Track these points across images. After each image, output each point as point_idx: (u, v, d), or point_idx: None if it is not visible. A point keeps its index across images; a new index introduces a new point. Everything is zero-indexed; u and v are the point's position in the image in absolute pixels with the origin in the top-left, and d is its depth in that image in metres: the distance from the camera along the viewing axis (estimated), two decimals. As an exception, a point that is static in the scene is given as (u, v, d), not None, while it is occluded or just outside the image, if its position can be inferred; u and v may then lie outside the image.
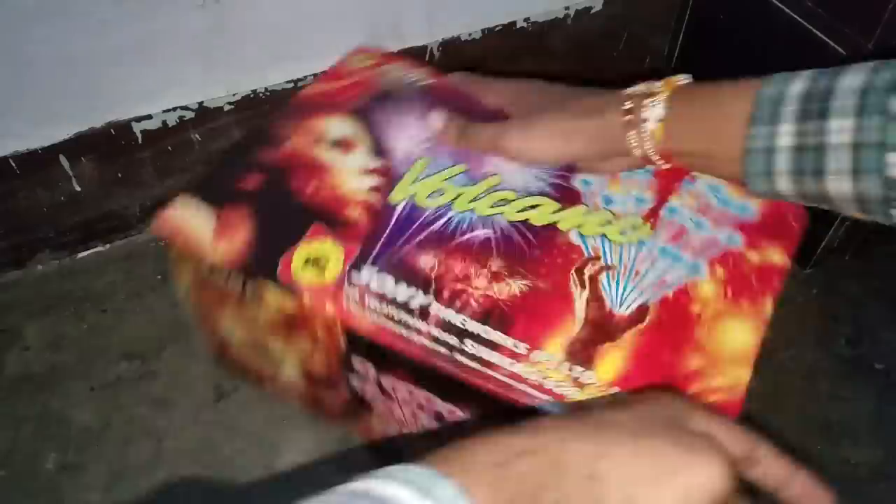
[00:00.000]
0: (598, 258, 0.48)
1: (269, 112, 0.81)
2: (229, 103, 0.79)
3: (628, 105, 0.44)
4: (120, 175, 0.80)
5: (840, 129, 0.33)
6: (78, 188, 0.79)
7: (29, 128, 0.73)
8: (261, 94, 0.80)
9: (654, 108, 0.43)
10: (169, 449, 0.71)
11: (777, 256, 0.49)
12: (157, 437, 0.71)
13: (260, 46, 0.76)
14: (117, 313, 0.81)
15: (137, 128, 0.77)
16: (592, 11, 0.91)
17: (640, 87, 0.45)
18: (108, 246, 0.86)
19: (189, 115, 0.78)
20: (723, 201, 0.52)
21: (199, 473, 0.69)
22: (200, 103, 0.78)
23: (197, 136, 0.80)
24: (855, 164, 0.33)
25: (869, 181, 0.33)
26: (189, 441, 0.71)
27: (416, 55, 0.83)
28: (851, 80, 0.35)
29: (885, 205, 0.34)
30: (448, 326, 0.46)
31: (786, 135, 0.35)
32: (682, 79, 0.45)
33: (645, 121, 0.43)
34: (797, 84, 0.36)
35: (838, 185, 0.34)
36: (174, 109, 0.78)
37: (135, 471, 0.69)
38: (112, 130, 0.76)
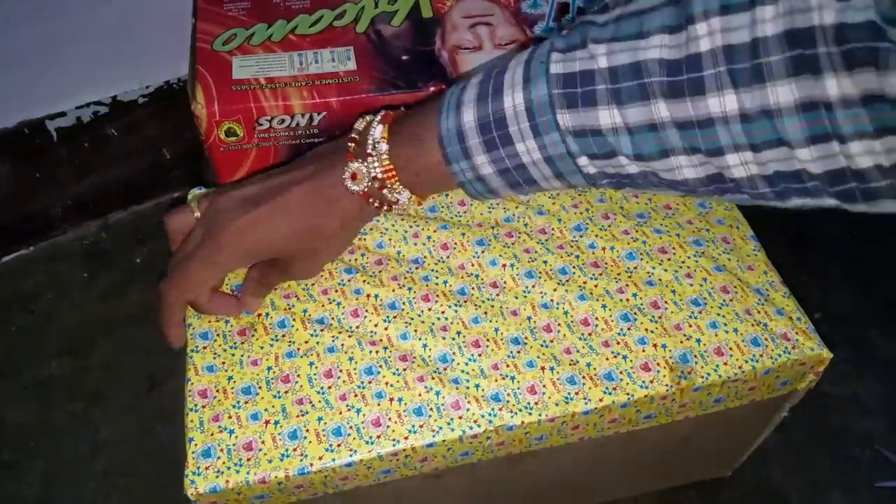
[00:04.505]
0: None
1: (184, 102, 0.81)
2: (143, 96, 0.80)
3: (353, 136, 0.42)
4: (38, 175, 0.80)
5: (528, 150, 0.37)
6: (-5, 191, 0.78)
7: (-63, 131, 0.72)
8: (174, 86, 0.80)
9: (374, 129, 0.41)
10: (107, 439, 0.71)
11: None
12: (93, 428, 0.72)
13: (170, 37, 0.77)
14: (45, 314, 0.80)
15: (52, 126, 0.77)
16: None
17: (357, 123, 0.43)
18: (31, 248, 0.85)
19: (103, 109, 0.78)
20: None
21: (139, 460, 0.70)
22: (114, 97, 0.78)
23: (113, 130, 0.81)
24: (556, 171, 0.38)
25: (574, 179, 0.38)
26: (127, 430, 0.72)
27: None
28: (514, 97, 0.36)
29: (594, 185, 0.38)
30: None
31: (484, 164, 0.38)
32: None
33: (370, 141, 0.41)
34: (468, 112, 0.38)
35: (551, 185, 0.39)
36: (88, 105, 0.78)
37: (73, 463, 0.70)
38: (25, 130, 0.76)
